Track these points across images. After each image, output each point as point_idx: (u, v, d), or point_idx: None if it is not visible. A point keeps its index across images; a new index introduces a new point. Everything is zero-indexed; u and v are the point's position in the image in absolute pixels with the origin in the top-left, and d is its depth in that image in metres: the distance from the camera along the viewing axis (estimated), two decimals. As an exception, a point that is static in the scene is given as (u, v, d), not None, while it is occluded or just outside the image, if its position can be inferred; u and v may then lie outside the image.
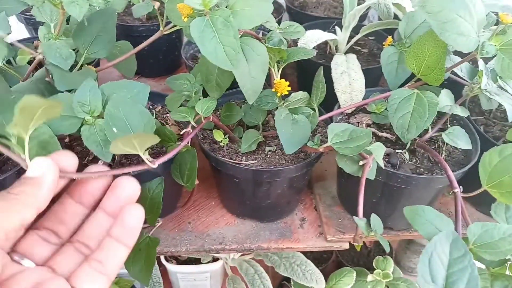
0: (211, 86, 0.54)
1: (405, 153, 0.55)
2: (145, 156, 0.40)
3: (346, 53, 0.78)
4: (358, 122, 0.63)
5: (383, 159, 0.56)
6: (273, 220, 0.65)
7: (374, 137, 0.60)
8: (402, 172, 0.53)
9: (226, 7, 0.47)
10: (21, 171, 0.39)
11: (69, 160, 0.34)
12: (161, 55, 0.92)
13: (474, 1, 0.49)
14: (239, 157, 0.57)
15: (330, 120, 0.61)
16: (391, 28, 0.77)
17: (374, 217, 0.48)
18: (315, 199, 0.68)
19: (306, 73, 0.79)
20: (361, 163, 0.50)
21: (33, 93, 0.34)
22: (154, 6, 0.69)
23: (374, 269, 0.83)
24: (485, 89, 0.55)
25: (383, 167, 0.50)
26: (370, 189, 0.59)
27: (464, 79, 0.57)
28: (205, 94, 0.56)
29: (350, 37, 0.77)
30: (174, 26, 0.58)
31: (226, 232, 0.63)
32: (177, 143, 0.54)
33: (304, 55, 0.55)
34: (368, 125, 0.62)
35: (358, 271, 0.84)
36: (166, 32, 0.60)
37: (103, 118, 0.44)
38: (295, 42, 0.72)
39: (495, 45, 0.50)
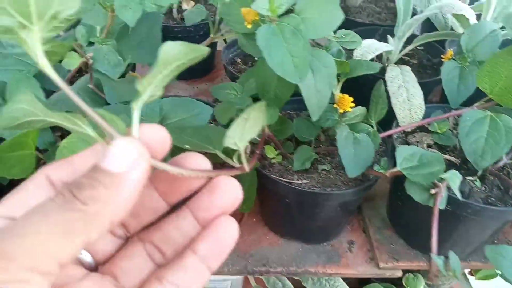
0: (268, 98, 0.50)
1: (476, 180, 0.50)
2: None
3: (396, 64, 0.73)
4: (418, 142, 0.58)
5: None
6: (320, 242, 0.61)
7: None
8: (473, 201, 0.49)
9: (292, 13, 0.43)
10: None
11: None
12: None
13: None
14: (290, 175, 0.53)
15: (389, 139, 0.57)
16: (441, 39, 0.73)
17: (452, 256, 0.43)
18: (364, 221, 0.64)
19: (356, 85, 0.74)
20: (432, 191, 0.46)
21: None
22: (208, 13, 0.65)
23: (402, 286, 0.79)
24: None
25: (459, 198, 0.45)
26: (430, 217, 0.54)
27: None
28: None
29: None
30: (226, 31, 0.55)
31: (270, 253, 0.59)
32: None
33: (368, 69, 0.51)
34: (429, 146, 0.57)
35: (385, 287, 0.79)
36: (217, 39, 0.56)
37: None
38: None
39: None
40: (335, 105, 0.49)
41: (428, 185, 0.46)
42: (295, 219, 0.57)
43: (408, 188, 0.47)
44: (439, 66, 0.69)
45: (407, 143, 0.59)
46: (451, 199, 0.48)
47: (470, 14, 0.64)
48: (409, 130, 0.60)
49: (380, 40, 0.70)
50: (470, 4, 0.69)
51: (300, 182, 0.52)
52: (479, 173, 0.51)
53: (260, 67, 0.48)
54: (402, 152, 0.47)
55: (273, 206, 0.60)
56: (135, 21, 0.44)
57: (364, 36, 0.71)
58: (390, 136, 0.57)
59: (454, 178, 0.44)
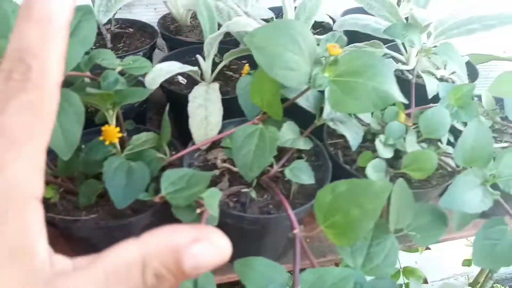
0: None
1: (252, 191, 0.52)
2: None
3: (214, 80, 0.75)
4: (215, 158, 0.60)
5: (231, 199, 0.53)
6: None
7: (228, 174, 0.57)
8: (249, 213, 0.51)
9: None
10: None
11: None
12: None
13: (303, 33, 0.48)
14: (78, 212, 0.52)
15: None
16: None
17: (207, 276, 0.44)
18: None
19: (175, 105, 0.74)
20: (198, 211, 0.47)
21: None
22: None
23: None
24: (328, 118, 0.54)
25: (215, 214, 0.46)
26: (228, 234, 0.56)
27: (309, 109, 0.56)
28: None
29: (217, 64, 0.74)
30: None
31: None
32: None
33: (139, 96, 0.51)
34: (224, 161, 0.59)
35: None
36: None
37: None
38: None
39: (328, 76, 0.48)
40: (100, 138, 0.48)
41: (196, 205, 0.47)
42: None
43: (175, 212, 0.47)
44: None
45: (207, 160, 0.60)
46: (228, 214, 0.50)
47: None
48: (207, 147, 0.61)
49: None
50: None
51: (87, 218, 0.51)
52: (254, 183, 0.53)
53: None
54: (170, 176, 0.47)
55: (80, 246, 0.58)
56: None
57: (194, 54, 0.72)
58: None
59: (212, 198, 0.45)
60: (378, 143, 0.54)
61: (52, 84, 0.20)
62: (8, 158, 0.18)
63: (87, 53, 0.57)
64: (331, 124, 0.53)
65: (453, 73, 0.82)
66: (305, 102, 0.57)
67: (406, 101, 0.45)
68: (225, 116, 0.64)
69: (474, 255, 0.51)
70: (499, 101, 0.73)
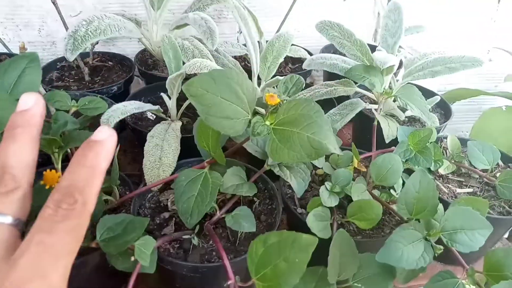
0: None
1: (194, 237, 0.52)
2: None
3: (182, 117, 0.76)
4: (167, 199, 0.60)
5: (174, 245, 0.53)
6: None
7: (177, 218, 0.57)
8: (190, 260, 0.50)
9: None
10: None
11: None
12: None
13: (241, 82, 0.48)
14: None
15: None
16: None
17: None
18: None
19: (141, 142, 0.75)
20: (133, 258, 0.46)
21: None
22: None
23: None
24: (273, 165, 0.54)
25: (146, 265, 0.45)
26: (170, 280, 0.56)
27: (256, 155, 0.56)
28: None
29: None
30: None
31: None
32: None
33: (82, 140, 0.52)
34: (174, 202, 0.58)
35: None
36: None
37: None
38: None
39: (269, 125, 0.48)
40: (42, 182, 0.49)
41: (131, 253, 0.47)
42: None
43: (110, 259, 0.47)
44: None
45: (159, 202, 0.60)
46: (167, 261, 0.49)
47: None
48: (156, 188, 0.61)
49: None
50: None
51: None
52: (196, 229, 0.52)
53: None
54: (107, 222, 0.47)
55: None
56: None
57: (164, 90, 0.72)
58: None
59: (144, 245, 0.45)
60: (323, 191, 0.53)
61: (89, 213, 0.28)
62: (50, 268, 0.26)
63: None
64: (276, 170, 0.53)
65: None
66: (254, 147, 0.57)
67: (340, 153, 0.44)
68: (187, 154, 0.64)
69: (421, 309, 0.50)
70: (465, 143, 0.72)
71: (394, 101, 0.80)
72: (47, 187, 0.48)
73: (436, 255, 0.48)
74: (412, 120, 0.84)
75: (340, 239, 0.48)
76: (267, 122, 0.48)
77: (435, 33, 1.16)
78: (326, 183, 0.54)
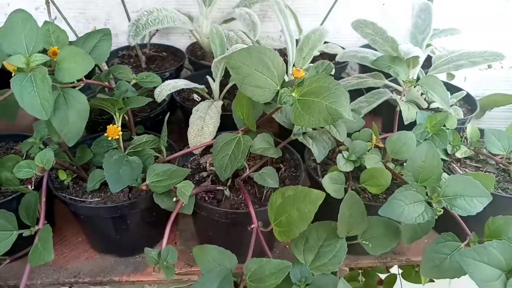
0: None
1: (226, 189, 0.61)
2: None
3: (224, 99, 0.86)
4: (206, 162, 0.69)
5: (209, 195, 0.62)
6: (132, 254, 0.70)
7: (214, 176, 0.65)
8: (223, 207, 0.59)
9: (50, 66, 0.54)
10: None
11: None
12: None
13: (273, 58, 0.57)
14: (86, 195, 0.63)
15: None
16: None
17: (167, 249, 0.52)
18: (177, 235, 0.73)
19: (187, 117, 0.85)
20: (175, 199, 0.56)
21: None
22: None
23: None
24: (298, 133, 0.62)
25: (185, 201, 0.55)
26: (203, 225, 0.65)
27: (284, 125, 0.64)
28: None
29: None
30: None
31: (83, 266, 0.68)
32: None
33: (139, 103, 0.63)
34: (211, 164, 0.68)
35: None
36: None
37: None
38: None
39: (294, 96, 0.57)
40: (105, 134, 0.59)
41: (174, 195, 0.57)
42: (101, 235, 0.66)
43: (156, 198, 0.57)
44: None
45: (199, 164, 0.70)
46: (202, 207, 0.59)
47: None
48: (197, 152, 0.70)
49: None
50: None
51: (92, 200, 0.62)
52: (228, 183, 0.61)
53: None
54: (156, 169, 0.57)
55: (82, 224, 0.69)
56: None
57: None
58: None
59: (185, 187, 0.55)
60: (339, 158, 0.60)
61: None
62: None
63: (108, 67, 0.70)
64: (299, 138, 0.61)
65: (451, 106, 0.86)
66: (282, 118, 0.65)
67: (353, 120, 0.52)
68: (226, 129, 0.74)
69: (422, 266, 0.55)
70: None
71: (422, 94, 0.86)
72: (109, 138, 0.59)
73: (436, 217, 0.54)
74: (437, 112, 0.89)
75: (350, 199, 0.55)
76: (293, 94, 0.57)
77: (470, 35, 1.19)
78: (343, 151, 0.61)
